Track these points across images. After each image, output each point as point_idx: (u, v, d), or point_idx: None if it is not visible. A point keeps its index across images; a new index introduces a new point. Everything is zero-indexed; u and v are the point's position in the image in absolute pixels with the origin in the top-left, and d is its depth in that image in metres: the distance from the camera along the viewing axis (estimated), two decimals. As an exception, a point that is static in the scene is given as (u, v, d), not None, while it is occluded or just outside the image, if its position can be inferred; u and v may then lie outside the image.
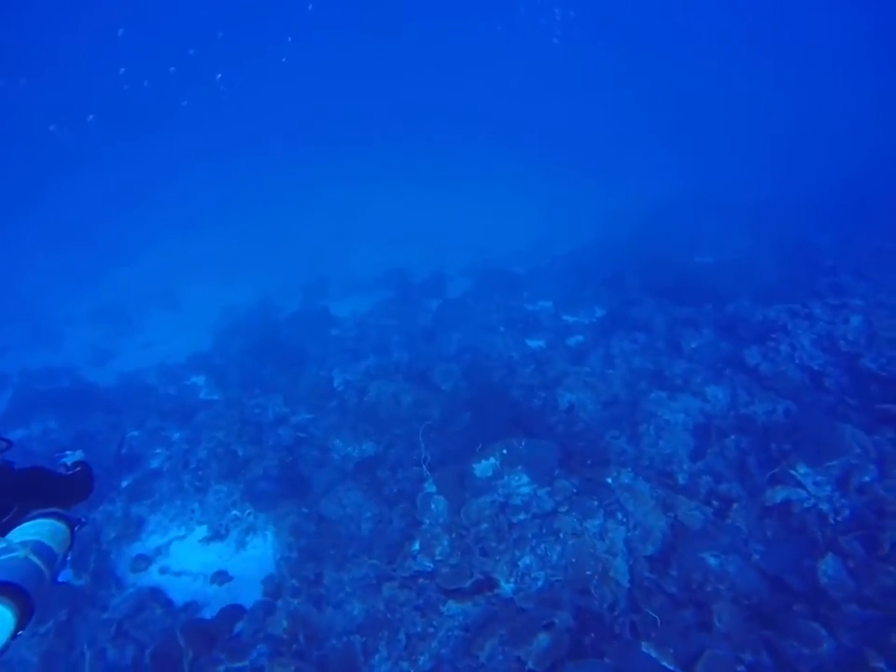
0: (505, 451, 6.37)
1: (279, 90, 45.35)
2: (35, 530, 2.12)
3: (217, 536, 6.88)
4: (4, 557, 1.91)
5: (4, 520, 2.16)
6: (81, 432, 10.64)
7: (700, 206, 20.87)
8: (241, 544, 6.79)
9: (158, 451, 9.11)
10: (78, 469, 2.83)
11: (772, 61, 42.78)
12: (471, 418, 8.49)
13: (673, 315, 11.63)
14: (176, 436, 9.68)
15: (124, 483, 8.05)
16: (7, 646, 1.71)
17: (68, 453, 2.99)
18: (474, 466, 6.31)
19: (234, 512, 6.97)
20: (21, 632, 1.75)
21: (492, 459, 6.32)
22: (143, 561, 6.62)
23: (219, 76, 36.04)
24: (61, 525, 2.24)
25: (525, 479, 6.05)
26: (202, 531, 7.00)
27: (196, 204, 27.68)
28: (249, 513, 6.97)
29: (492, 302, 15.46)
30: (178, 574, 6.50)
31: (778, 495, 5.74)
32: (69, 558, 2.33)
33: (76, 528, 2.37)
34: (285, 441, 8.30)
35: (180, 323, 16.32)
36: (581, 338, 12.52)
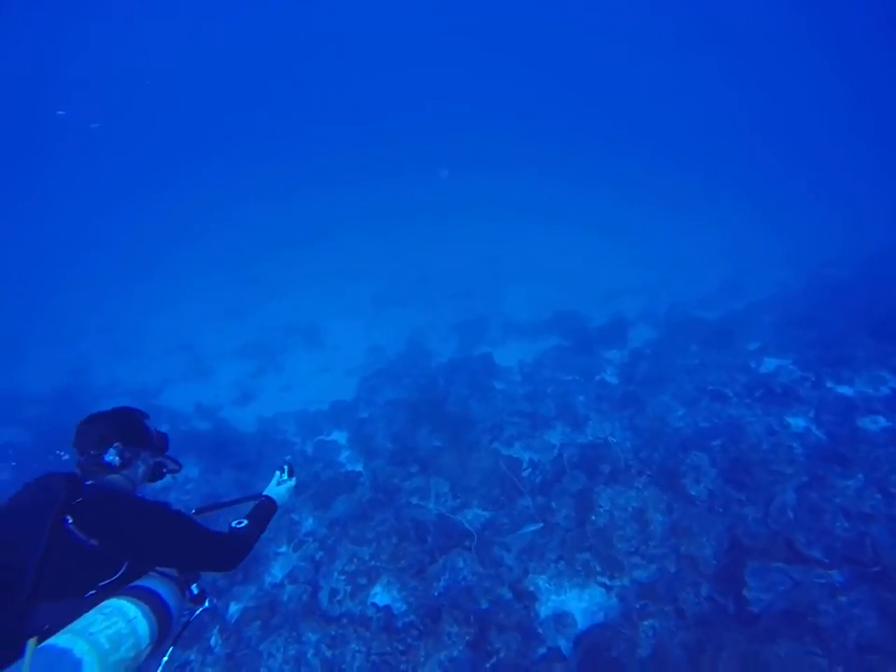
0: None
1: (433, 116, 45.80)
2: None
3: None
4: None
5: (103, 583, 1.47)
6: (213, 492, 8.56)
7: None
8: None
9: (282, 549, 6.28)
10: (241, 528, 1.94)
11: None
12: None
13: None
14: (308, 524, 6.84)
15: (232, 610, 5.24)
16: None
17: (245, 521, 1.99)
18: None
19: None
20: None
21: None
22: None
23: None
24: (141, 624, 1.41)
25: None
26: None
27: (341, 237, 26.95)
28: None
29: (694, 357, 11.31)
30: None
31: None
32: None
33: (191, 616, 1.74)
34: (463, 578, 4.93)
35: (323, 363, 14.23)
36: (884, 421, 7.77)
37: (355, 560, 5.22)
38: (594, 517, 5.22)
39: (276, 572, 5.95)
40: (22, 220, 40.14)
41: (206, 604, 1.80)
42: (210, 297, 20.23)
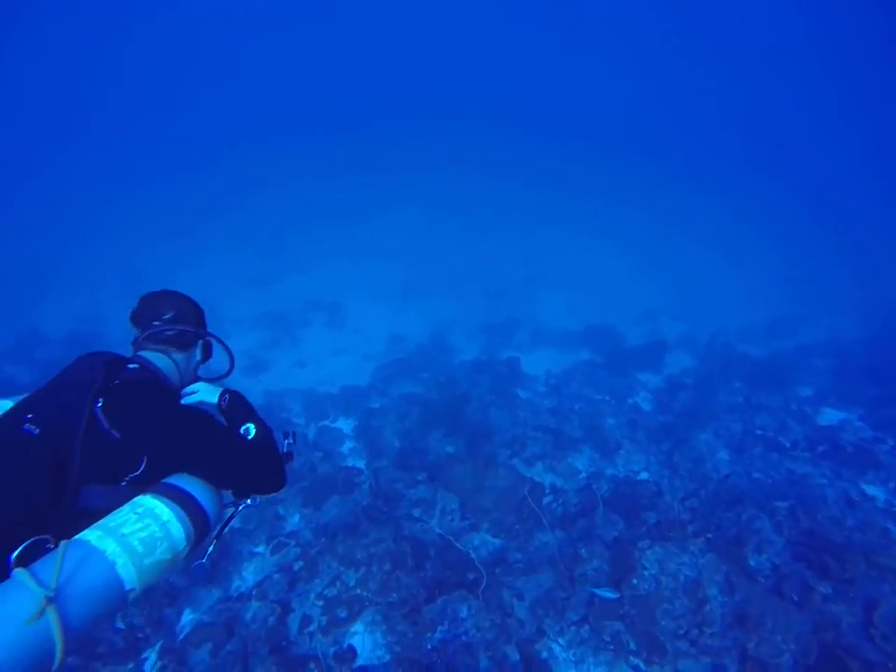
0: None
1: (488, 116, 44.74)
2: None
3: None
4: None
5: (129, 476, 1.31)
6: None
7: None
8: None
9: (259, 549, 5.36)
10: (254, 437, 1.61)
11: None
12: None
13: None
14: (294, 521, 5.92)
15: (184, 620, 4.30)
16: None
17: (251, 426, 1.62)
18: None
19: None
20: None
21: None
22: None
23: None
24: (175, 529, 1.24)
25: None
26: None
27: (377, 219, 26.01)
28: None
29: (738, 395, 10.13)
30: None
31: None
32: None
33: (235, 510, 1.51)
34: (465, 632, 3.90)
35: (342, 344, 13.34)
36: None
37: (337, 583, 4.24)
38: (635, 580, 4.10)
39: (248, 576, 5.00)
40: (61, 168, 40.33)
41: (248, 500, 1.55)
42: (237, 263, 19.53)
